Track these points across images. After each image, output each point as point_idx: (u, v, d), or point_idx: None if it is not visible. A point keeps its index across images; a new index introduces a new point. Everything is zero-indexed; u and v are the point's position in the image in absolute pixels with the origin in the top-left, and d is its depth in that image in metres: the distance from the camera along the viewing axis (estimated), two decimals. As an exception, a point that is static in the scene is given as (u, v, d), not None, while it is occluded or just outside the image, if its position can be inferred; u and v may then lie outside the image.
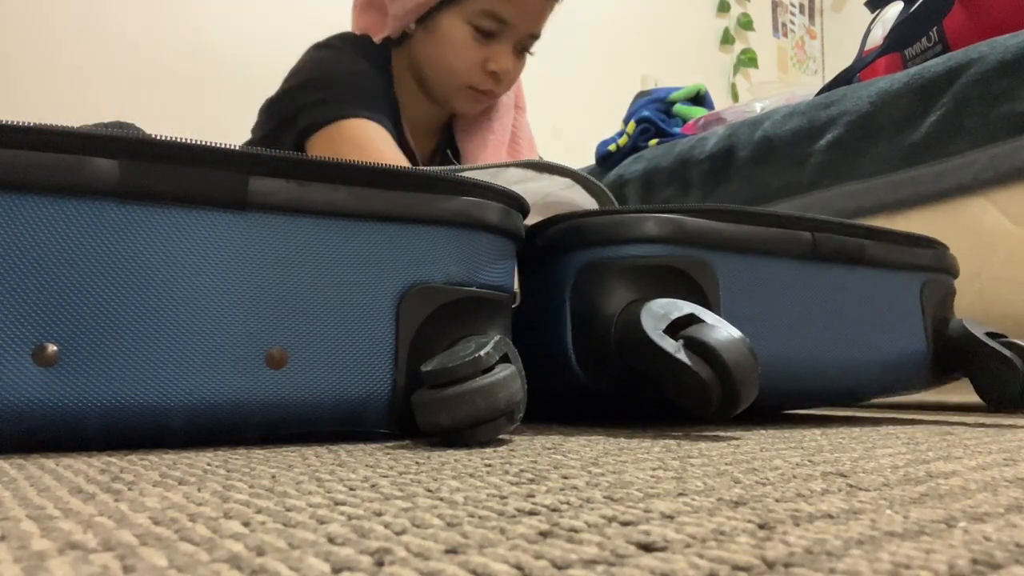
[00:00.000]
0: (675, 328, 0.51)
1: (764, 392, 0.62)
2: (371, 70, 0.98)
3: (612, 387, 0.59)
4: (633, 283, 0.57)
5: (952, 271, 0.74)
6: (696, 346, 0.49)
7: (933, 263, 0.72)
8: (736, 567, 0.17)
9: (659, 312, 0.53)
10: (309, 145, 0.93)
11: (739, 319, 0.60)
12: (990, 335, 0.69)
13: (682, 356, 0.49)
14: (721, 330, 0.49)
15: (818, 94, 1.24)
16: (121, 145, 0.42)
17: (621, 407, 0.65)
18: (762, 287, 0.61)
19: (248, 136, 1.06)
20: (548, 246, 0.61)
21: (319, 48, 1.02)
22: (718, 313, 0.59)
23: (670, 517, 0.22)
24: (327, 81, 0.95)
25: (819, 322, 0.64)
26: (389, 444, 0.46)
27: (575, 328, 0.59)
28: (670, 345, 0.50)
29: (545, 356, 0.61)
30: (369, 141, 0.90)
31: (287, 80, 1.00)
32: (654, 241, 0.58)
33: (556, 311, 0.60)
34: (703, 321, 0.51)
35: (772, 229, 0.62)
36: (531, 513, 0.23)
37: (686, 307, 0.52)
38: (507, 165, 0.76)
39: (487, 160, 1.04)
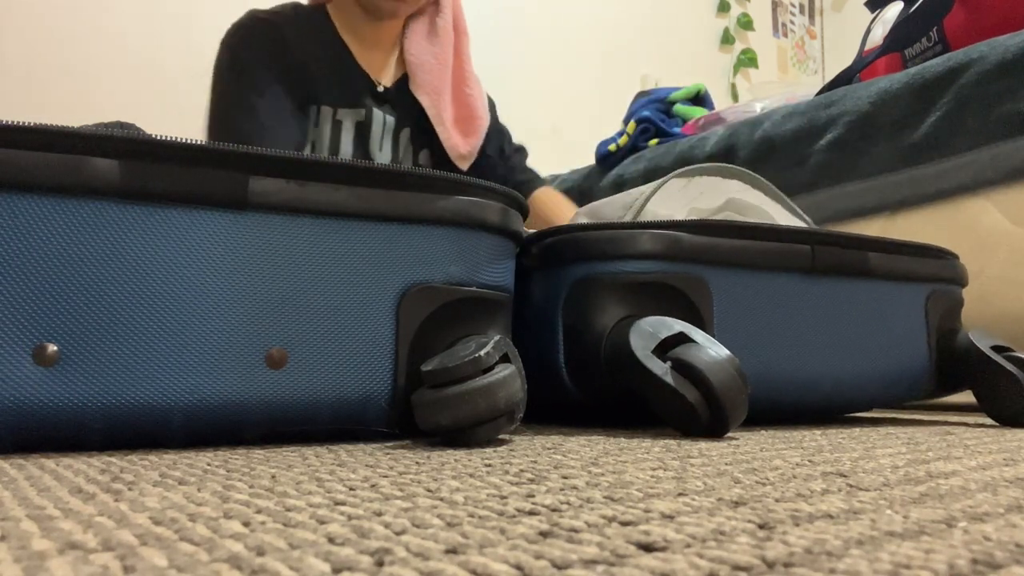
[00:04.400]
0: (665, 347, 0.51)
1: (760, 406, 0.62)
2: (276, 79, 1.03)
3: (603, 401, 0.59)
4: (625, 299, 0.57)
5: (960, 281, 0.73)
6: (683, 368, 0.49)
7: (940, 273, 0.70)
8: (736, 567, 0.17)
9: (648, 331, 0.52)
10: None
11: (734, 334, 0.59)
12: (996, 348, 0.68)
13: (669, 379, 0.49)
14: (709, 351, 0.48)
15: (818, 94, 1.24)
16: (122, 145, 0.42)
17: (613, 418, 0.65)
18: (758, 302, 0.60)
19: None
20: (543, 258, 0.61)
21: (218, 87, 1.05)
22: (711, 328, 0.58)
23: (670, 517, 0.22)
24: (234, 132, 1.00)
25: (818, 336, 0.63)
26: (389, 444, 0.46)
27: (567, 342, 0.58)
28: (658, 367, 0.49)
29: (538, 367, 0.60)
30: None
31: (212, 100, 1.04)
32: (648, 257, 0.57)
33: (549, 324, 0.59)
34: (692, 340, 0.50)
35: (770, 243, 0.61)
36: (531, 513, 0.23)
37: (676, 326, 0.52)
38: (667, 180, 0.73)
39: (438, 81, 1.12)
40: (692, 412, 0.48)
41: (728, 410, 0.47)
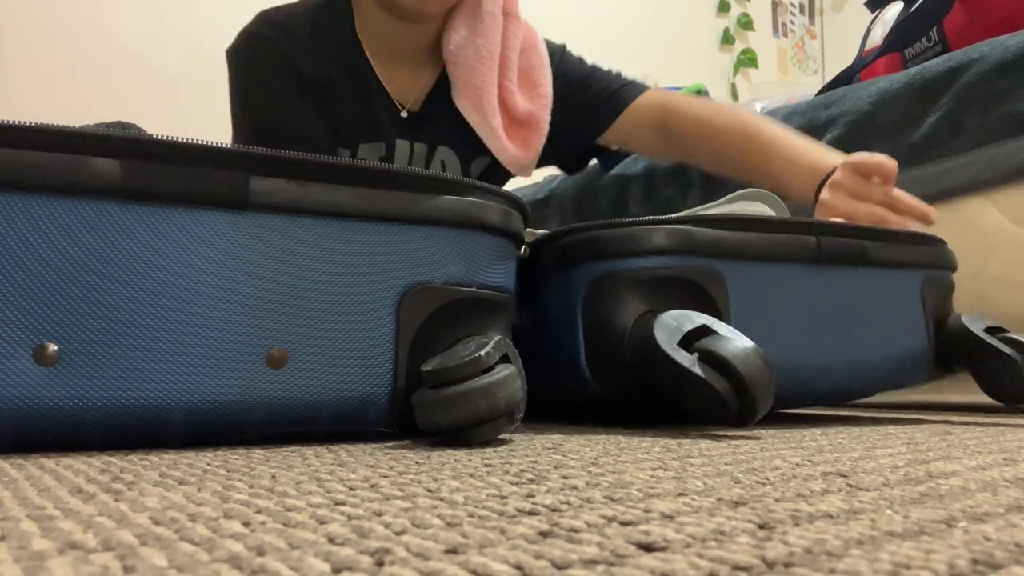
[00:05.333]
0: (688, 340, 0.52)
1: (776, 394, 0.63)
2: (279, 80, 0.92)
3: (625, 396, 0.59)
4: (645, 294, 0.57)
5: (950, 266, 0.75)
6: (711, 359, 0.49)
7: (932, 260, 0.72)
8: (736, 567, 0.17)
9: (672, 324, 0.53)
10: None
11: (748, 325, 0.60)
12: (990, 330, 0.69)
13: (697, 370, 0.49)
14: (735, 341, 0.49)
15: (818, 94, 1.24)
16: (122, 145, 0.42)
17: (633, 414, 0.66)
18: (770, 292, 0.62)
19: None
20: (559, 257, 0.61)
21: (236, 77, 0.95)
22: (728, 320, 0.59)
23: (670, 517, 0.22)
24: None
25: (825, 324, 0.64)
26: (389, 444, 0.46)
27: (588, 339, 0.59)
28: (685, 359, 0.50)
29: (557, 366, 0.61)
30: None
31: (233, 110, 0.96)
32: (664, 252, 0.58)
33: (568, 322, 0.60)
34: (716, 332, 0.51)
35: (778, 235, 0.62)
36: (531, 513, 0.23)
37: (698, 318, 0.53)
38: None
39: (481, 80, 0.93)
40: (721, 402, 0.48)
41: (757, 399, 0.48)
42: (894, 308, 0.69)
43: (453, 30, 0.95)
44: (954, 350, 0.71)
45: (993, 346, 0.67)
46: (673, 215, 0.60)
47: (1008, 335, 0.68)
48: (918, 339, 0.70)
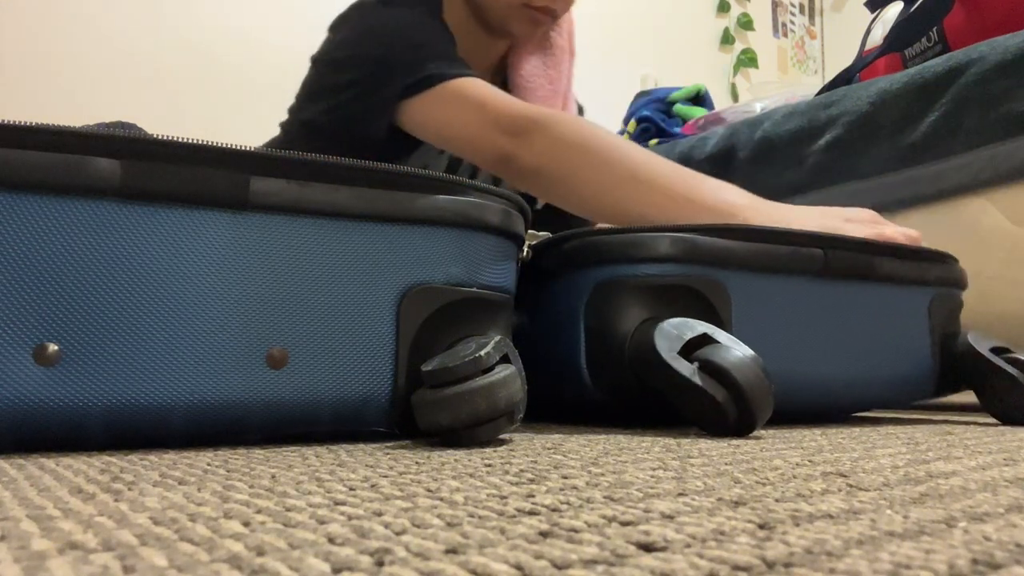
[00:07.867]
0: (689, 348, 0.52)
1: (775, 406, 0.63)
2: (431, 21, 0.91)
3: (624, 401, 0.59)
4: (647, 301, 0.58)
5: (960, 284, 0.74)
6: (710, 368, 0.49)
7: (942, 277, 0.71)
8: (736, 567, 0.17)
9: (673, 333, 0.53)
10: (410, 110, 0.85)
11: (750, 336, 0.60)
12: (996, 350, 0.69)
13: (697, 379, 0.49)
14: (735, 351, 0.49)
15: (818, 94, 1.24)
16: (123, 145, 0.42)
17: (632, 419, 0.66)
18: (774, 305, 0.62)
19: (248, 134, 1.04)
20: (563, 261, 0.62)
21: (368, 8, 0.93)
22: (730, 330, 0.59)
23: (670, 517, 0.23)
24: (406, 43, 0.89)
25: (829, 338, 0.64)
26: (389, 444, 0.46)
27: (589, 344, 0.59)
28: (685, 368, 0.50)
29: (558, 369, 0.61)
30: (486, 93, 0.83)
31: (341, 47, 0.91)
32: (668, 260, 0.58)
33: (570, 326, 0.60)
34: (717, 342, 0.51)
35: (784, 247, 0.62)
36: (531, 513, 0.23)
37: (699, 327, 0.53)
38: None
39: (553, 107, 0.95)
40: (720, 411, 0.48)
41: (755, 409, 0.48)
42: (900, 324, 0.69)
43: (523, 57, 0.97)
44: (959, 369, 0.71)
45: (998, 366, 0.67)
46: (680, 224, 0.60)
47: (1013, 355, 0.68)
48: (923, 357, 0.70)
